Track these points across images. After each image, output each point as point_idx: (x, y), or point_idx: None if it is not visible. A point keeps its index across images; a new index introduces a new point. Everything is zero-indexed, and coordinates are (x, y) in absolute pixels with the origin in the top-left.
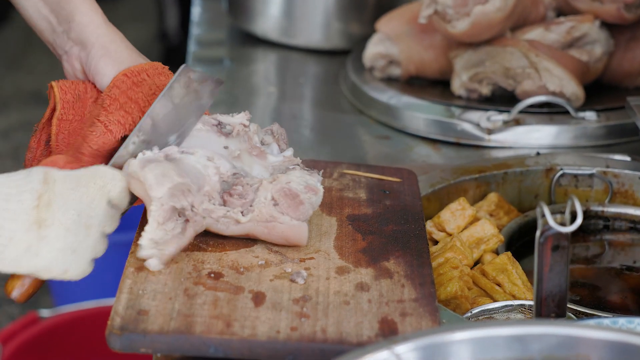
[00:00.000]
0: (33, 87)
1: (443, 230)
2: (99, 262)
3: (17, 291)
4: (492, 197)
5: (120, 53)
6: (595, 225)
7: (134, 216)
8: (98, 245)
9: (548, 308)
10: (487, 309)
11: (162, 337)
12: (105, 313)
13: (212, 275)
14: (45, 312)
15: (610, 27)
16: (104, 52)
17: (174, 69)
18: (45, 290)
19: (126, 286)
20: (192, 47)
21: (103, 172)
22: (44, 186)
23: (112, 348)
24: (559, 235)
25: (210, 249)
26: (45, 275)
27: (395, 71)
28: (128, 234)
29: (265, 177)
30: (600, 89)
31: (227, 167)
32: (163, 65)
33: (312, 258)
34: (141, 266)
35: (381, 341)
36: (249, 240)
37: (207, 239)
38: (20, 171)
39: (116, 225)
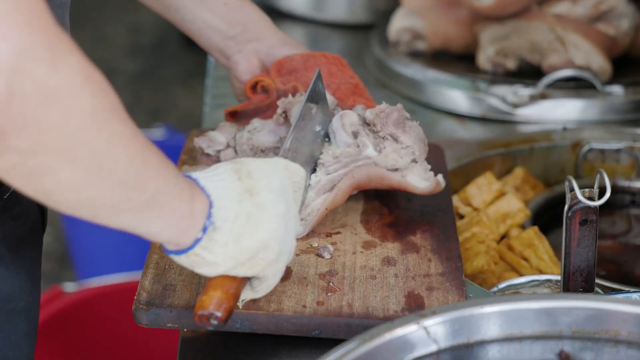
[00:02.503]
0: None
1: (469, 204)
2: (123, 237)
3: (215, 304)
4: (518, 171)
5: (293, 41)
6: (621, 201)
7: None
8: (297, 231)
9: (576, 283)
10: (514, 284)
11: (189, 312)
12: (130, 288)
13: None
14: (69, 286)
15: (638, 1)
16: (283, 41)
17: (196, 49)
18: (68, 264)
19: (152, 261)
20: None
21: (288, 164)
22: (234, 165)
23: (138, 323)
24: (587, 209)
25: None
26: (262, 258)
27: (421, 45)
28: None
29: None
30: (627, 63)
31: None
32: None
33: (338, 233)
34: None
35: (409, 315)
36: None
37: None
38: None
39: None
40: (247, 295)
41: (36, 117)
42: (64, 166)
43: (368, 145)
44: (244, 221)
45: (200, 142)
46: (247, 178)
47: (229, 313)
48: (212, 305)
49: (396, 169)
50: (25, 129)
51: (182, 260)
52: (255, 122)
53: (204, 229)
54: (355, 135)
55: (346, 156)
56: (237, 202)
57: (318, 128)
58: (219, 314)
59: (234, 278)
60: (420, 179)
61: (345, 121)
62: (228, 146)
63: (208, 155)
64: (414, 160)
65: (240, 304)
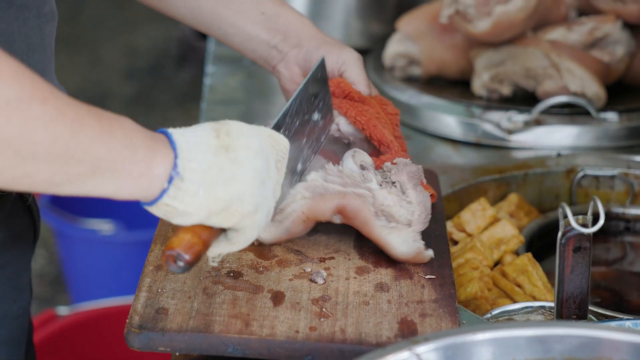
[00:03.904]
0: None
1: (463, 230)
2: (117, 260)
3: (184, 245)
4: (513, 197)
5: (332, 41)
6: (616, 227)
7: (152, 215)
8: (276, 194)
9: (569, 310)
10: (507, 310)
11: (181, 335)
12: (123, 311)
13: (232, 274)
14: (62, 310)
15: (632, 27)
16: (321, 42)
17: (192, 72)
18: (62, 287)
19: (145, 284)
20: (211, 46)
21: (272, 132)
22: (216, 125)
23: (130, 346)
24: (581, 236)
25: None
26: (238, 210)
27: (416, 71)
28: (147, 233)
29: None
30: (621, 90)
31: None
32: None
33: (332, 258)
34: (160, 265)
35: (402, 341)
36: None
37: None
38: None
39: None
40: (223, 248)
41: None
42: None
43: (372, 180)
44: (216, 172)
45: None
46: (225, 136)
47: (197, 257)
48: (181, 246)
49: (388, 220)
50: None
51: (155, 211)
52: None
53: (170, 179)
54: (362, 168)
55: (350, 177)
56: (211, 155)
57: (317, 117)
58: (186, 257)
59: (207, 227)
60: (402, 242)
61: (356, 157)
62: None
63: None
64: (409, 224)
65: (216, 261)
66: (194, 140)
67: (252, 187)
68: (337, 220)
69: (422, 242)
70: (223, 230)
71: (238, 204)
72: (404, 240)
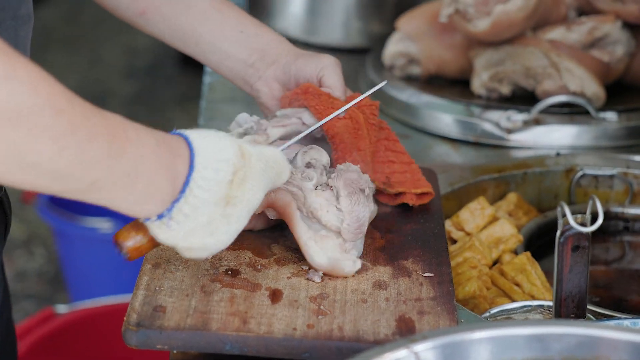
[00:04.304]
0: None
1: (462, 229)
2: (116, 259)
3: (131, 243)
4: (512, 197)
5: (309, 52)
6: (615, 227)
7: None
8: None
9: (567, 309)
10: (506, 309)
11: (179, 333)
12: (121, 309)
13: (230, 272)
14: (61, 308)
15: (632, 27)
16: (298, 55)
17: (191, 71)
18: (61, 286)
19: (143, 282)
20: None
21: (282, 161)
22: (242, 160)
23: (128, 344)
24: (580, 235)
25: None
26: (185, 250)
27: (415, 70)
28: None
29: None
30: (621, 90)
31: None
32: None
33: None
34: (158, 262)
35: (400, 339)
36: (266, 238)
37: None
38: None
39: None
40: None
41: None
42: None
43: (312, 180)
44: (204, 223)
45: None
46: (238, 182)
47: (139, 255)
48: (130, 242)
49: (322, 225)
50: None
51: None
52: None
53: (160, 216)
54: (309, 166)
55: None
56: (212, 205)
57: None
58: (127, 255)
59: None
60: (319, 250)
61: (308, 154)
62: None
63: None
64: (339, 233)
65: None
66: (210, 176)
67: (223, 241)
68: (271, 215)
69: (353, 257)
70: None
71: (202, 251)
72: (323, 249)
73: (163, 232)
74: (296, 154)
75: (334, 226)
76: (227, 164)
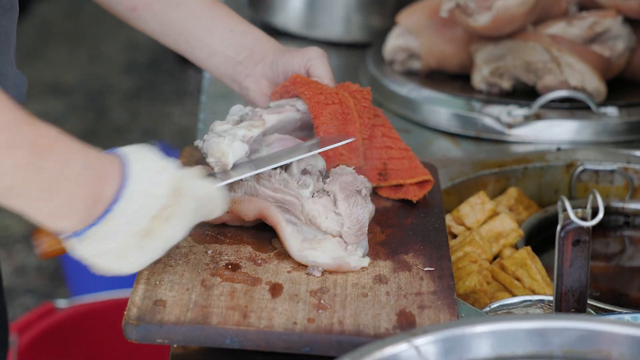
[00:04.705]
0: (51, 78)
1: (462, 224)
2: None
3: (46, 245)
4: (512, 191)
5: (292, 49)
6: (615, 222)
7: None
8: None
9: (568, 303)
10: (506, 304)
11: (179, 327)
12: (121, 304)
13: (230, 266)
14: (61, 303)
15: (633, 22)
16: (284, 51)
17: (192, 66)
18: (61, 280)
19: (143, 277)
20: None
21: (220, 199)
22: (173, 199)
23: (128, 338)
24: (580, 229)
25: (227, 240)
26: (93, 265)
27: (416, 64)
28: None
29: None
30: (622, 85)
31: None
32: None
33: None
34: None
35: (400, 333)
36: (266, 232)
37: (225, 230)
38: (160, 159)
39: None
40: None
41: None
42: None
43: (309, 187)
44: (116, 250)
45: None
46: (162, 220)
47: (52, 256)
48: (43, 244)
49: (322, 232)
50: None
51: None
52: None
53: (73, 234)
54: (305, 172)
55: (282, 182)
56: (130, 235)
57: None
58: (40, 255)
59: None
60: (322, 254)
61: (304, 161)
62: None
63: None
64: (340, 235)
65: None
66: (135, 208)
67: (135, 269)
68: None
69: (359, 254)
70: None
71: (109, 272)
72: (323, 251)
73: (74, 247)
74: (291, 163)
75: (334, 231)
76: (156, 201)
